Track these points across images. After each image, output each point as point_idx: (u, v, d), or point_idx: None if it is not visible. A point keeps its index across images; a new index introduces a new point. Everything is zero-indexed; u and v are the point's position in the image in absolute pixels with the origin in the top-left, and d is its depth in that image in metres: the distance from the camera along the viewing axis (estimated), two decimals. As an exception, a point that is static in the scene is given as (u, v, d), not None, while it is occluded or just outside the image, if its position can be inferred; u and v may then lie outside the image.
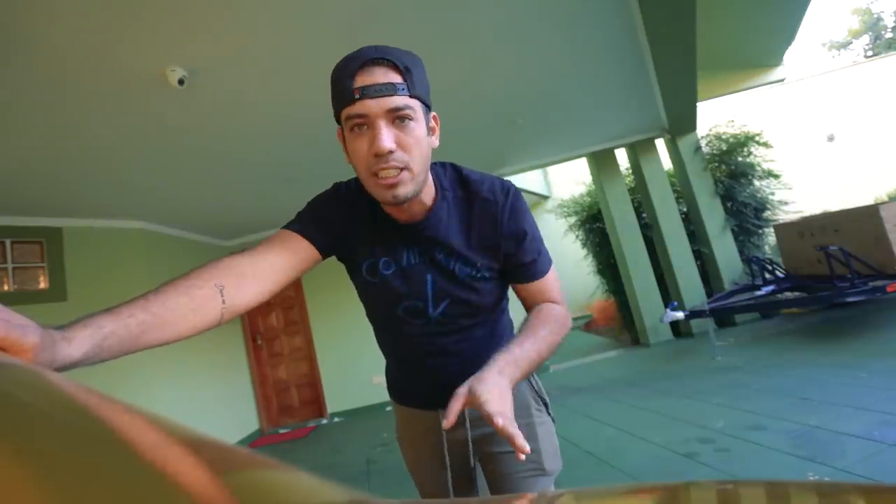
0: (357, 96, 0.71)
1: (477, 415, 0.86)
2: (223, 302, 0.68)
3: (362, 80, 0.72)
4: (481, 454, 1.00)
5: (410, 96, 0.73)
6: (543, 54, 3.09)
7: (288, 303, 5.60)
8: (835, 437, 2.14)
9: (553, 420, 1.03)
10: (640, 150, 5.67)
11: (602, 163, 5.73)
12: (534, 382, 1.02)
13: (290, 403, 5.48)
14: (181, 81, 2.26)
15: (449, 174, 0.89)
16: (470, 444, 0.98)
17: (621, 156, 5.99)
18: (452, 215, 0.86)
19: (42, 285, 3.57)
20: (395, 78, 0.72)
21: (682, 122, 5.26)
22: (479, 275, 0.88)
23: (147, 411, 0.25)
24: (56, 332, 0.51)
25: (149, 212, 4.10)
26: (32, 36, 1.87)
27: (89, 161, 2.99)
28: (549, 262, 0.92)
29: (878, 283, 3.66)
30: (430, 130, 0.79)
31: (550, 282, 0.91)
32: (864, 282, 3.74)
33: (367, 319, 1.06)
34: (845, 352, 3.38)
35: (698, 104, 5.03)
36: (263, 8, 2.05)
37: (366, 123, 0.72)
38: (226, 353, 5.08)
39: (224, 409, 4.73)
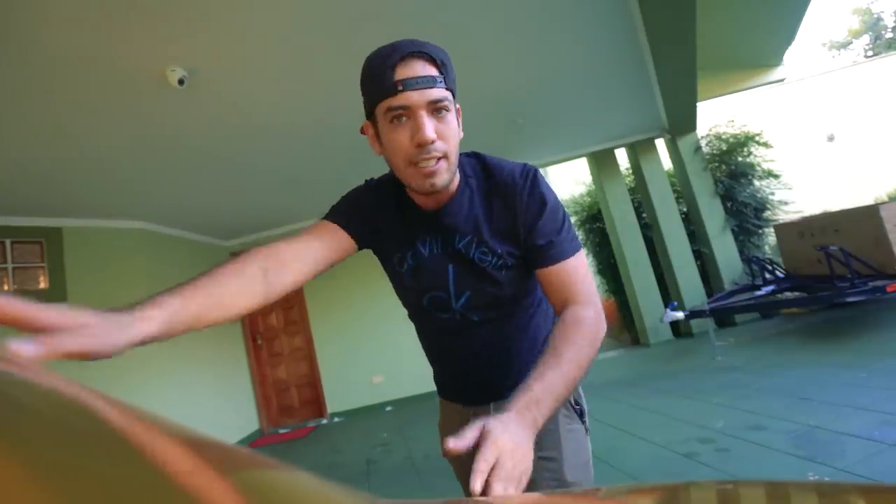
0: (400, 88, 0.72)
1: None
2: (267, 285, 0.75)
3: (403, 72, 0.72)
4: None
5: (447, 88, 0.75)
6: (543, 54, 3.09)
7: (288, 303, 5.60)
8: (835, 437, 2.14)
9: (587, 430, 0.96)
10: (640, 150, 5.67)
11: (602, 163, 5.73)
12: None
13: (290, 403, 5.48)
14: (181, 81, 2.26)
15: (472, 162, 0.90)
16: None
17: (621, 156, 5.99)
18: (475, 202, 0.87)
19: (42, 285, 3.57)
20: (433, 71, 0.74)
21: (682, 122, 5.26)
22: (499, 262, 0.85)
23: (147, 411, 0.25)
24: (130, 313, 0.56)
25: (149, 212, 4.10)
26: (32, 36, 1.87)
27: (89, 161, 2.99)
28: (574, 248, 0.84)
29: (878, 283, 3.66)
30: (458, 122, 0.82)
31: (574, 269, 0.82)
32: (864, 282, 3.74)
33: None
34: (845, 352, 3.38)
35: (698, 104, 5.03)
36: (263, 8, 2.05)
37: (406, 115, 0.74)
38: (226, 353, 5.08)
39: (224, 409, 4.73)
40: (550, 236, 0.83)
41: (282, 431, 5.23)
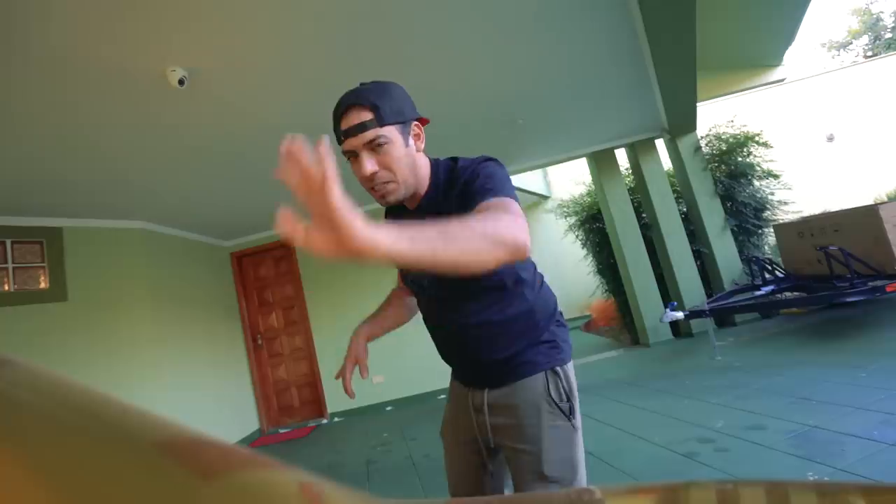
0: (343, 137, 0.92)
1: (500, 402, 1.06)
2: (411, 306, 1.28)
3: (344, 123, 0.92)
4: (498, 444, 1.09)
5: (381, 125, 0.90)
6: (544, 55, 3.09)
7: (288, 303, 5.60)
8: (834, 436, 2.14)
9: (575, 427, 1.02)
10: (640, 150, 5.67)
11: (602, 163, 5.73)
12: (554, 385, 1.03)
13: (290, 403, 5.48)
14: (181, 81, 2.26)
15: (444, 165, 1.04)
16: (488, 425, 1.08)
17: (621, 156, 5.99)
18: (441, 195, 1.01)
19: (42, 285, 3.57)
20: (366, 116, 0.90)
21: (682, 122, 5.26)
22: None
23: (147, 411, 0.25)
24: (372, 325, 1.22)
25: (149, 212, 4.10)
26: (32, 36, 1.87)
27: (89, 161, 2.99)
28: (501, 193, 0.87)
29: (878, 282, 3.66)
30: (414, 137, 0.97)
31: (499, 202, 0.85)
32: (863, 282, 3.74)
33: None
34: (845, 352, 3.38)
35: (698, 104, 5.03)
36: (263, 8, 2.05)
37: (353, 156, 0.93)
38: (226, 353, 5.08)
39: (224, 409, 4.73)
40: (482, 186, 0.90)
41: (282, 431, 5.23)
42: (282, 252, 5.67)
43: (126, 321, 3.87)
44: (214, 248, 5.43)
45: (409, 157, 0.95)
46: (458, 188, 0.96)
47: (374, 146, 0.91)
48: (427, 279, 1.05)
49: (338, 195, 0.55)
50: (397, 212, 1.07)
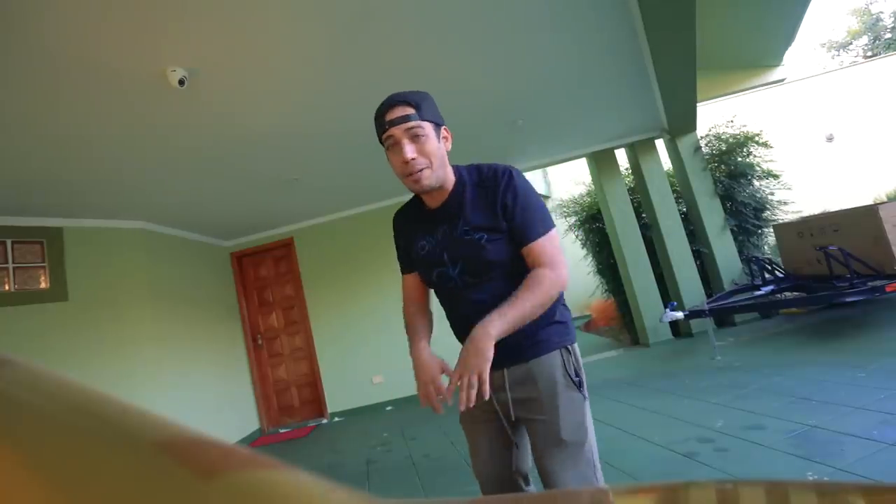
0: (387, 126, 1.10)
1: (519, 378, 1.18)
2: (431, 315, 1.31)
3: (389, 115, 1.10)
4: (518, 417, 1.21)
5: (421, 120, 1.10)
6: (543, 55, 3.09)
7: (288, 303, 5.60)
8: (834, 436, 2.14)
9: (585, 396, 1.19)
10: (640, 150, 5.67)
11: (602, 163, 5.73)
12: (567, 362, 1.19)
13: (290, 403, 5.48)
14: (181, 81, 2.26)
15: (468, 169, 1.21)
16: (510, 402, 1.20)
17: (621, 156, 5.99)
18: (467, 196, 1.17)
19: (43, 285, 3.57)
20: (409, 111, 1.10)
21: (681, 122, 5.26)
22: (481, 236, 1.14)
23: (147, 411, 0.25)
24: (426, 343, 1.21)
25: (149, 212, 4.10)
26: (32, 36, 1.87)
27: (89, 161, 2.99)
28: (542, 231, 1.13)
29: (877, 283, 3.66)
30: (443, 139, 1.16)
31: (541, 246, 1.12)
32: (863, 282, 3.74)
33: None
34: (845, 352, 3.38)
35: (698, 104, 5.03)
36: (264, 8, 2.05)
37: (395, 143, 1.10)
38: (226, 353, 5.08)
39: (224, 409, 4.73)
40: (523, 222, 1.13)
41: (282, 431, 5.23)
42: (282, 252, 5.67)
43: (126, 321, 3.87)
44: (214, 248, 5.43)
45: (440, 152, 1.13)
46: (486, 190, 1.15)
47: (413, 136, 1.09)
48: (454, 270, 1.18)
49: (485, 370, 1.00)
50: (414, 213, 1.26)
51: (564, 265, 1.13)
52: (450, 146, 1.18)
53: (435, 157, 1.11)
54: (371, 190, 5.03)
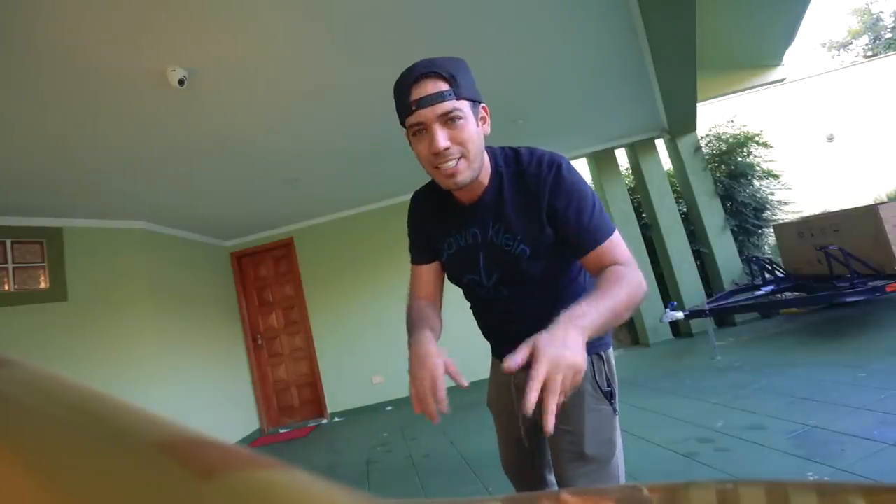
0: (414, 108, 0.86)
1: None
2: (439, 309, 1.10)
3: (416, 92, 0.86)
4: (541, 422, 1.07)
5: (458, 99, 0.86)
6: (543, 55, 3.09)
7: (288, 303, 5.60)
8: (834, 436, 2.14)
9: (615, 410, 1.05)
10: (640, 150, 5.67)
11: (602, 163, 5.73)
12: (598, 370, 1.05)
13: (290, 403, 5.48)
14: (181, 81, 2.26)
15: (505, 153, 1.00)
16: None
17: (621, 156, 5.99)
18: (504, 192, 0.97)
19: (42, 285, 3.57)
20: (443, 86, 0.86)
21: (682, 122, 5.26)
22: (524, 248, 0.95)
23: (147, 411, 0.25)
24: (432, 337, 0.91)
25: (149, 212, 4.10)
26: (32, 36, 1.87)
27: (89, 161, 2.99)
28: (605, 233, 0.92)
29: (878, 282, 3.66)
30: (481, 121, 0.93)
31: (609, 251, 0.91)
32: (863, 282, 3.74)
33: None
34: (845, 352, 3.38)
35: (698, 104, 5.03)
36: (264, 8, 2.05)
37: (424, 128, 0.87)
38: (226, 353, 5.08)
39: (224, 409, 4.73)
40: (582, 228, 0.91)
41: (282, 431, 5.23)
42: (282, 252, 5.67)
43: (126, 321, 3.87)
44: (214, 248, 5.43)
45: (478, 139, 0.91)
46: (528, 185, 0.94)
47: (448, 119, 0.86)
48: (489, 280, 1.02)
49: (579, 378, 0.73)
50: (440, 204, 1.04)
51: (637, 267, 0.91)
52: (488, 129, 0.95)
53: (473, 144, 0.88)
54: (371, 190, 5.03)
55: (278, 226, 5.55)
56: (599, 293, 0.82)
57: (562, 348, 0.71)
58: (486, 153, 0.96)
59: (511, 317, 1.05)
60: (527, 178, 0.94)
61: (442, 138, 0.85)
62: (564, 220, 0.92)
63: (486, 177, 0.96)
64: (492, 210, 0.97)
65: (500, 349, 1.15)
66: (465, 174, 0.89)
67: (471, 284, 1.05)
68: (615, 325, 0.84)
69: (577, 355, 0.71)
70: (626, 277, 0.85)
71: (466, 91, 0.88)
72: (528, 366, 0.92)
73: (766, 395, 2.89)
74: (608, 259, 0.91)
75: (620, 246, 0.92)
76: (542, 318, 0.96)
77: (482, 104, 0.94)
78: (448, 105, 0.85)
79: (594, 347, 1.04)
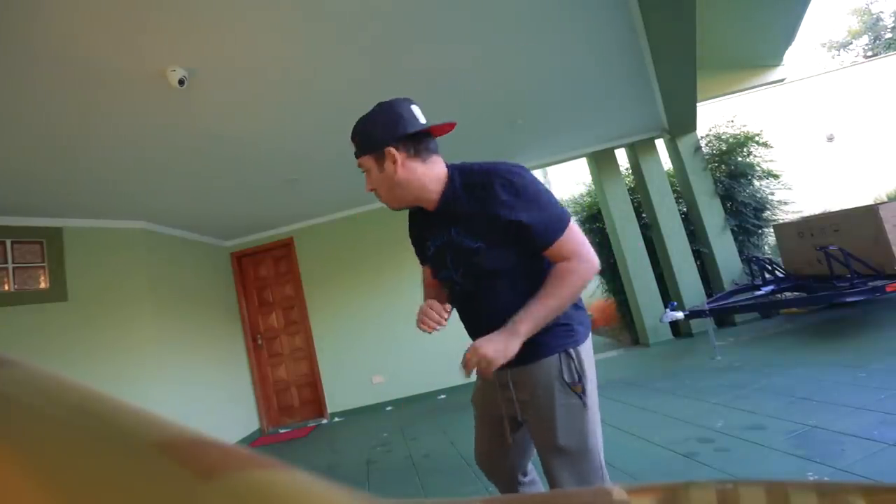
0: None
1: (519, 379, 1.17)
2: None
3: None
4: (522, 417, 1.21)
5: (360, 156, 1.14)
6: (543, 54, 3.09)
7: (288, 303, 5.60)
8: (834, 436, 2.14)
9: (585, 405, 1.15)
10: (640, 150, 5.67)
11: (602, 163, 5.73)
12: (567, 366, 1.14)
13: (290, 403, 5.48)
14: (181, 81, 2.26)
15: (460, 169, 1.16)
16: (514, 398, 1.20)
17: (621, 156, 5.99)
18: (458, 199, 1.13)
19: (42, 285, 3.57)
20: (354, 148, 1.15)
21: (682, 122, 5.26)
22: (477, 244, 1.11)
23: (147, 411, 0.25)
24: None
25: (149, 212, 4.11)
26: (32, 36, 1.87)
27: (90, 161, 2.99)
28: (558, 232, 1.07)
29: (878, 282, 3.66)
30: (391, 163, 1.10)
31: (562, 245, 1.07)
32: (863, 282, 3.74)
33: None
34: (845, 352, 3.38)
35: (698, 104, 5.03)
36: (264, 8, 2.05)
37: None
38: (226, 353, 5.08)
39: (224, 409, 4.73)
40: (534, 227, 1.06)
41: (282, 431, 5.23)
42: (282, 252, 5.67)
43: (126, 321, 3.87)
44: (214, 248, 5.43)
45: (386, 181, 1.12)
46: (476, 194, 1.10)
47: (364, 170, 1.15)
48: (457, 275, 1.18)
49: (495, 363, 1.04)
50: (421, 213, 1.25)
51: (588, 251, 1.09)
52: (401, 166, 1.10)
53: (381, 185, 1.14)
54: (371, 190, 5.03)
55: (278, 226, 5.55)
56: (540, 294, 1.06)
57: (486, 343, 1.04)
58: (424, 177, 1.13)
59: (487, 316, 1.15)
60: (474, 185, 1.11)
61: (367, 184, 1.17)
62: (517, 223, 1.06)
63: (438, 191, 1.15)
64: (450, 215, 1.15)
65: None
66: (390, 204, 1.18)
67: (447, 280, 1.22)
68: (558, 314, 1.08)
69: (490, 351, 1.02)
70: (563, 277, 1.06)
71: (364, 149, 1.12)
72: (508, 364, 1.09)
73: (766, 395, 2.89)
74: (559, 252, 1.08)
75: (571, 240, 1.08)
76: (507, 310, 1.11)
77: (388, 148, 1.09)
78: (358, 162, 1.15)
79: (560, 346, 1.15)
